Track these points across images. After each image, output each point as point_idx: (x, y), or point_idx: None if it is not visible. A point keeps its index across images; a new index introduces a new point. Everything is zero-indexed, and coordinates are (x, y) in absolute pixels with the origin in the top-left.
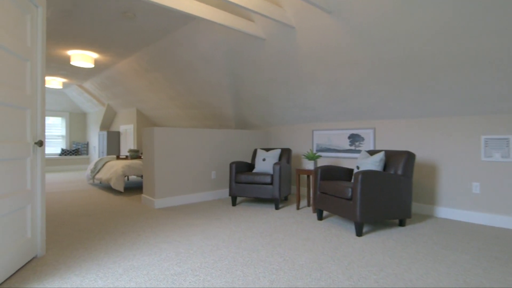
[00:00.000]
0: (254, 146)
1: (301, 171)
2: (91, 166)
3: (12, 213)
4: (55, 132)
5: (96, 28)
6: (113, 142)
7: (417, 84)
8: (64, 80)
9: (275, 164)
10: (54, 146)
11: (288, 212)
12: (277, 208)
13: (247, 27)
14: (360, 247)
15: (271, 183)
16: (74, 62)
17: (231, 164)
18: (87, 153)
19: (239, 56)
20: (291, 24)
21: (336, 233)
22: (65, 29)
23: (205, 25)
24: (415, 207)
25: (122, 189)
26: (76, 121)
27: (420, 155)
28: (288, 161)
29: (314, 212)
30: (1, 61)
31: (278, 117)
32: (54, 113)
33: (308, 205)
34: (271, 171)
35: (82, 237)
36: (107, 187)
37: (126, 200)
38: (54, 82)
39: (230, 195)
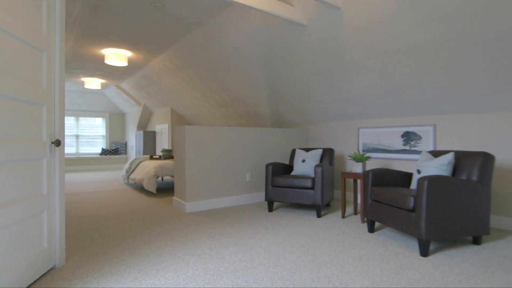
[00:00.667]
0: (292, 146)
1: (347, 175)
2: (126, 166)
3: (25, 221)
4: (96, 132)
5: (126, 22)
6: (149, 141)
7: (496, 69)
8: (102, 80)
9: (317, 166)
10: (95, 146)
11: (332, 221)
12: (319, 216)
13: (286, 12)
14: (429, 272)
15: (312, 188)
16: (109, 60)
17: (267, 166)
18: (125, 153)
19: (276, 47)
20: (337, 4)
21: (394, 250)
22: (96, 25)
23: (238, 13)
24: (494, 220)
25: (154, 190)
26: (116, 121)
27: (500, 158)
28: (331, 162)
29: (363, 222)
30: (12, 51)
31: (319, 114)
32: (95, 114)
33: (355, 213)
34: (312, 174)
35: (106, 245)
36: (141, 188)
37: (158, 202)
38: (93, 83)
39: (266, 199)
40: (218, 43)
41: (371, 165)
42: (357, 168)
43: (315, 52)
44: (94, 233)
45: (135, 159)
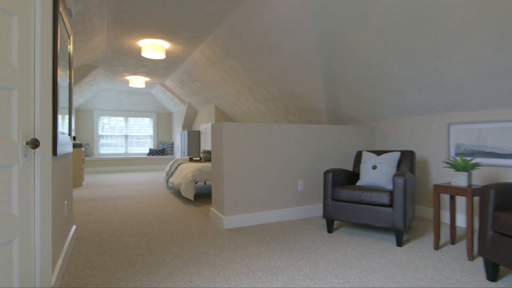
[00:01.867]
0: (355, 147)
1: (444, 189)
2: (167, 168)
3: None
4: (144, 132)
5: (158, 2)
6: (193, 142)
7: None
8: (146, 78)
9: (397, 175)
10: (143, 146)
11: (421, 254)
12: (399, 244)
13: None
14: None
15: (390, 205)
16: (146, 53)
17: (326, 174)
18: (172, 153)
19: (338, 19)
20: None
21: None
22: (127, 9)
23: None
24: None
25: (191, 197)
26: (163, 121)
27: None
28: (412, 169)
29: (470, 259)
30: None
31: (392, 107)
32: (143, 114)
33: (452, 242)
34: (388, 185)
35: (116, 277)
36: (177, 192)
37: (194, 212)
38: (137, 81)
39: (325, 217)
40: (263, 21)
41: (476, 175)
42: (459, 179)
43: (391, 23)
44: (109, 255)
45: (175, 160)
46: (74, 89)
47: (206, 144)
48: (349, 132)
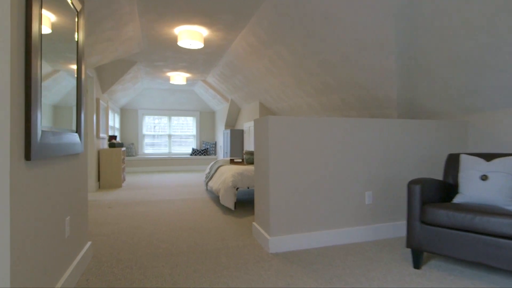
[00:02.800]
0: (441, 149)
1: None
2: (207, 170)
3: None
4: (187, 131)
5: None
6: (236, 141)
7: None
8: (187, 74)
9: None
10: (186, 146)
11: None
12: None
13: None
14: None
15: None
16: (183, 41)
17: (412, 185)
18: (215, 153)
19: None
20: None
21: None
22: None
23: None
24: None
25: (231, 207)
26: (206, 120)
27: None
28: None
29: None
30: None
31: (493, 95)
32: (186, 113)
33: None
34: (508, 205)
35: None
36: (216, 197)
37: (234, 225)
38: (178, 78)
39: (410, 246)
40: None
41: None
42: None
43: None
44: (122, 285)
45: (214, 162)
46: (116, 87)
47: (249, 144)
48: (433, 129)
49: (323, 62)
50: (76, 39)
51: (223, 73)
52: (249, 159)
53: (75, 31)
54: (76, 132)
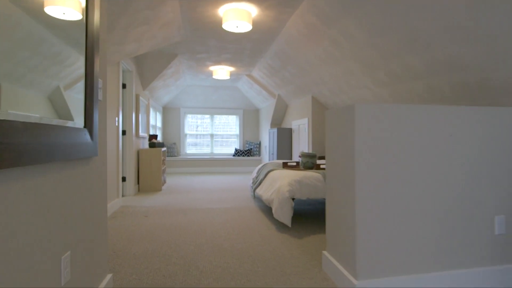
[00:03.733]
0: None
1: None
2: (254, 174)
3: None
4: (230, 131)
5: None
6: (283, 141)
7: None
8: (231, 68)
9: None
10: (228, 146)
11: None
12: None
13: None
14: None
15: None
16: (228, 23)
17: None
18: (259, 154)
19: None
20: None
21: None
22: None
23: None
24: None
25: (288, 223)
26: (250, 119)
27: None
28: None
29: None
30: None
31: None
32: (229, 111)
33: None
34: None
35: None
36: (267, 208)
37: (294, 250)
38: (221, 72)
39: None
40: None
41: None
42: None
43: None
44: None
45: (263, 165)
46: (157, 83)
47: (299, 144)
48: None
49: (410, 36)
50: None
51: (271, 65)
52: (307, 163)
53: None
54: (85, 127)
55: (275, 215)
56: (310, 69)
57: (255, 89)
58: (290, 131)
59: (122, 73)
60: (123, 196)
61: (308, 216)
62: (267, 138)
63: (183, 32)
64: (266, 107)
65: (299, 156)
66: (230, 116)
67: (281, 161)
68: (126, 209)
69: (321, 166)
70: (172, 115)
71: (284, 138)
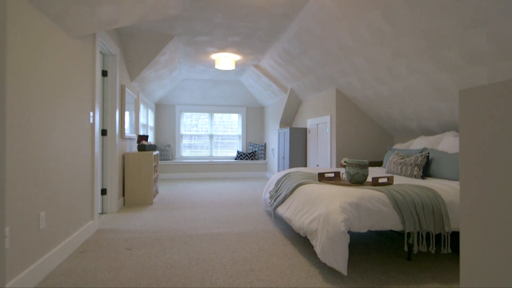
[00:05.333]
0: None
1: None
2: (271, 186)
3: None
4: (231, 131)
5: None
6: (297, 143)
7: None
8: (237, 56)
9: None
10: (229, 148)
11: None
12: None
13: None
14: None
15: None
16: None
17: None
18: (264, 157)
19: None
20: None
21: None
22: None
23: None
24: None
25: (343, 270)
26: (253, 117)
27: None
28: None
29: None
30: None
31: None
32: (231, 109)
33: None
34: None
35: None
36: (299, 238)
37: None
38: (225, 61)
39: None
40: None
41: None
42: None
43: None
44: None
45: (286, 175)
46: (148, 74)
47: (317, 147)
48: None
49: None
50: None
51: (287, 51)
52: (357, 176)
53: None
54: None
55: (321, 257)
56: (341, 54)
57: (262, 83)
58: (304, 131)
59: (103, 57)
60: (102, 213)
61: (361, 249)
62: (274, 140)
63: (181, 2)
64: (274, 104)
65: (342, 165)
66: (231, 114)
67: (312, 170)
68: (103, 235)
69: (380, 181)
70: (166, 113)
71: (298, 139)
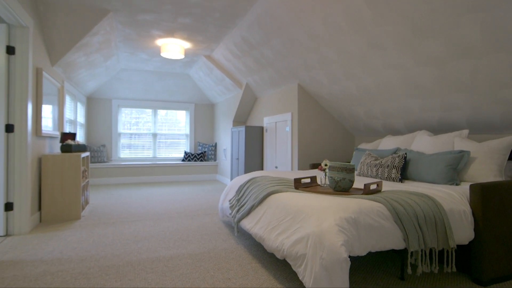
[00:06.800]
0: None
1: None
2: (231, 193)
3: None
4: (178, 130)
5: None
6: (253, 143)
7: None
8: (187, 44)
9: None
10: (175, 149)
11: None
12: None
13: None
14: None
15: None
16: None
17: None
18: (214, 158)
19: None
20: None
21: None
22: None
23: None
24: None
25: None
26: (202, 115)
27: None
28: None
29: None
30: None
31: None
32: (178, 105)
33: None
34: None
35: None
36: (271, 257)
37: None
38: (173, 48)
39: None
40: None
41: None
42: None
43: None
44: None
45: (251, 180)
46: (76, 58)
47: (276, 147)
48: None
49: None
50: None
51: (246, 40)
52: (342, 182)
53: None
54: None
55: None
56: (309, 44)
57: (214, 77)
58: (261, 130)
59: (8, 29)
60: (6, 235)
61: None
62: (226, 139)
63: None
64: (227, 100)
65: (321, 169)
66: (178, 111)
67: (283, 174)
68: (1, 273)
69: (372, 187)
70: (100, 108)
71: (254, 139)
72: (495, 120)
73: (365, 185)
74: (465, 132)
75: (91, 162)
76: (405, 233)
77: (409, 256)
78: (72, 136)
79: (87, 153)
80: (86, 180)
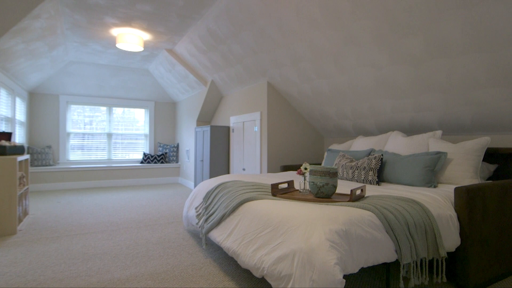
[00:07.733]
0: None
1: None
2: (197, 199)
3: None
4: (138, 130)
5: None
6: (218, 144)
7: None
8: (146, 35)
9: None
10: (133, 150)
11: None
12: None
13: None
14: None
15: None
16: None
17: None
18: (176, 160)
19: None
20: None
21: None
22: None
23: None
24: None
25: None
26: (163, 114)
27: None
28: None
29: None
30: None
31: None
32: (136, 103)
33: None
34: None
35: None
36: (245, 273)
37: None
38: (130, 39)
39: None
40: None
41: None
42: None
43: None
44: None
45: (221, 185)
46: (13, 46)
47: (243, 148)
48: None
49: None
50: None
51: (213, 32)
52: (325, 188)
53: None
54: None
55: None
56: (280, 39)
57: (176, 73)
58: (227, 130)
59: None
60: None
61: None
62: (190, 140)
63: None
64: (190, 98)
65: (299, 173)
66: (136, 109)
67: (256, 179)
68: None
69: (359, 193)
70: (45, 105)
71: (220, 139)
72: (466, 121)
73: (351, 190)
74: (439, 133)
75: (34, 166)
76: (397, 244)
77: (401, 268)
78: (7, 136)
79: (26, 156)
80: (25, 188)
